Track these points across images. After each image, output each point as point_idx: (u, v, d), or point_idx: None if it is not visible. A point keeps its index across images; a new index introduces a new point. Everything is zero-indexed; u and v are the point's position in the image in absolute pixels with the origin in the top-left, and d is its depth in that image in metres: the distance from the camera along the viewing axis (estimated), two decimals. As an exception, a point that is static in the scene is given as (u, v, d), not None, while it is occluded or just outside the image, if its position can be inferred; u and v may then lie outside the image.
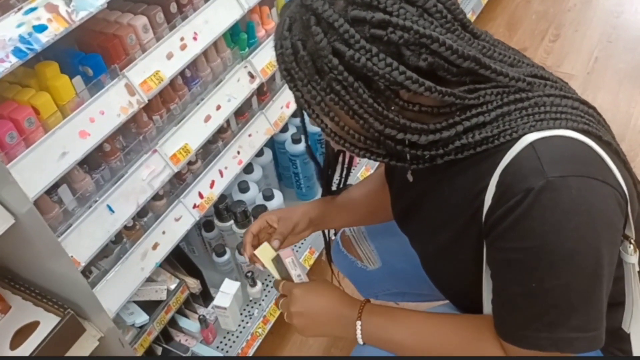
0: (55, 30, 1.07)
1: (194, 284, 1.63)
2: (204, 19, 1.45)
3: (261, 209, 1.75)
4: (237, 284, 1.70)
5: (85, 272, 1.29)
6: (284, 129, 1.96)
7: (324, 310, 1.04)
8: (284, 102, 1.80)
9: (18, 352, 1.22)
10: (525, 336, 0.84)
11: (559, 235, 0.77)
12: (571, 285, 0.79)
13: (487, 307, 0.92)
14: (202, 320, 1.65)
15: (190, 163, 1.59)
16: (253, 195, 1.85)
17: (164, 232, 1.45)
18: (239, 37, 1.64)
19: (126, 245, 1.40)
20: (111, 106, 1.26)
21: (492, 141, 0.83)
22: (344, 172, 1.28)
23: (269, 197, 1.83)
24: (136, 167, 1.36)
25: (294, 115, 1.94)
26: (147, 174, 1.37)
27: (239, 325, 1.76)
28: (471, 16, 2.95)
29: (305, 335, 1.07)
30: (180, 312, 1.69)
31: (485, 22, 3.20)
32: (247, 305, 1.82)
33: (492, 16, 3.27)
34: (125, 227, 1.40)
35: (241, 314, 1.79)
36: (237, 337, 1.74)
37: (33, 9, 1.07)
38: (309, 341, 1.89)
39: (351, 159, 1.26)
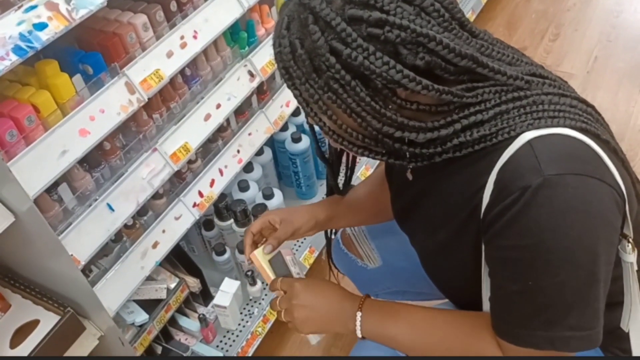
0: (55, 28, 1.07)
1: (193, 283, 1.63)
2: (204, 18, 1.45)
3: (261, 207, 1.75)
4: (237, 283, 1.70)
5: (85, 270, 1.29)
6: (284, 128, 1.96)
7: (326, 302, 1.04)
8: (284, 101, 1.81)
9: (18, 351, 1.22)
10: (521, 334, 0.84)
11: (555, 233, 0.77)
12: (567, 284, 0.79)
13: (486, 305, 0.92)
14: (202, 319, 1.65)
15: (190, 162, 1.59)
16: (253, 194, 1.85)
17: (163, 231, 1.45)
18: (239, 35, 1.64)
19: (126, 244, 1.40)
20: (111, 104, 1.26)
21: (490, 139, 0.83)
22: (348, 172, 1.28)
23: (268, 196, 1.83)
24: (136, 166, 1.36)
25: (294, 114, 1.94)
26: (147, 173, 1.37)
27: (239, 324, 1.76)
28: (471, 15, 2.95)
29: (304, 331, 1.06)
30: (180, 311, 1.69)
31: (485, 22, 3.20)
32: (247, 304, 1.82)
33: (492, 15, 3.27)
34: (125, 226, 1.40)
35: (241, 313, 1.79)
36: (237, 336, 1.74)
37: (33, 7, 1.07)
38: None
39: (354, 158, 1.26)
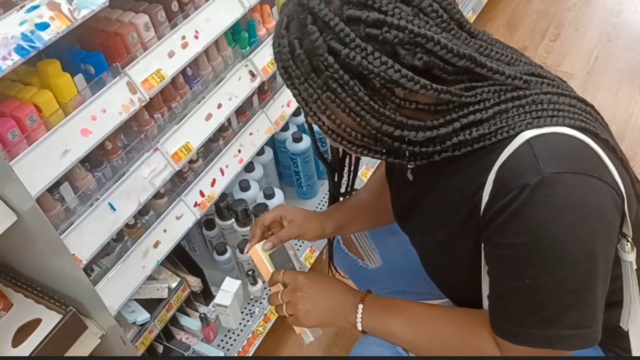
0: (57, 28, 1.08)
1: (195, 282, 1.64)
2: (205, 18, 1.45)
3: (262, 207, 1.75)
4: (238, 282, 1.70)
5: (87, 270, 1.29)
6: (285, 128, 1.96)
7: (329, 295, 1.05)
8: (285, 101, 1.81)
9: (20, 350, 1.23)
10: (518, 332, 0.85)
11: (552, 231, 0.77)
12: (565, 282, 0.79)
13: (486, 304, 0.92)
14: (203, 319, 1.65)
15: (191, 161, 1.59)
16: (254, 194, 1.86)
17: (165, 231, 1.46)
18: (240, 35, 1.65)
19: (127, 244, 1.40)
20: (113, 104, 1.26)
21: (490, 138, 0.83)
22: (351, 175, 1.28)
23: (269, 195, 1.83)
24: (137, 166, 1.36)
25: (294, 114, 1.94)
26: (148, 172, 1.37)
27: (240, 324, 1.77)
28: (471, 15, 2.95)
29: (306, 324, 1.07)
30: (181, 310, 1.69)
31: (486, 22, 3.21)
32: (248, 303, 1.82)
33: (493, 15, 3.27)
34: (127, 225, 1.41)
35: (242, 312, 1.79)
36: (238, 335, 1.74)
37: (35, 7, 1.08)
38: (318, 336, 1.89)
39: (357, 161, 1.26)
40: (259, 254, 1.13)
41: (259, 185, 1.90)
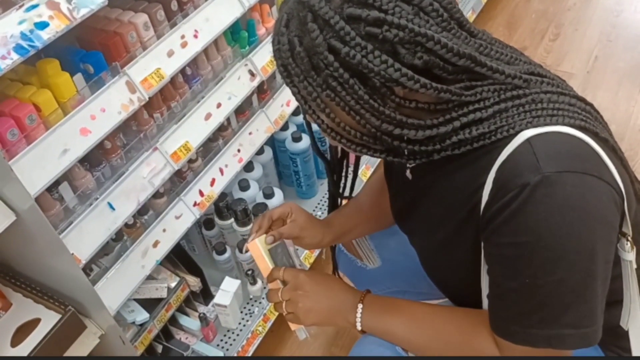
0: (56, 27, 1.07)
1: (194, 282, 1.64)
2: (204, 17, 1.45)
3: (261, 207, 1.75)
4: (238, 282, 1.70)
5: (86, 269, 1.29)
6: (285, 127, 1.96)
7: (330, 294, 1.05)
8: (285, 101, 1.81)
9: (19, 350, 1.22)
10: (517, 332, 0.85)
11: (552, 231, 0.77)
12: (564, 282, 0.79)
13: (486, 303, 0.92)
14: (203, 318, 1.65)
15: (190, 161, 1.59)
16: (253, 194, 1.86)
17: (164, 230, 1.46)
18: (240, 35, 1.65)
19: (127, 243, 1.40)
20: (112, 104, 1.26)
21: (489, 137, 0.83)
22: (351, 175, 1.28)
23: (269, 195, 1.83)
24: (137, 165, 1.36)
25: (294, 113, 1.94)
26: (147, 172, 1.37)
27: (239, 324, 1.77)
28: (471, 15, 2.95)
29: (306, 322, 1.06)
30: (180, 310, 1.69)
31: (485, 21, 3.21)
32: (248, 303, 1.82)
33: (492, 15, 3.27)
34: (126, 225, 1.41)
35: (241, 312, 1.79)
36: (238, 335, 1.74)
37: (35, 6, 1.08)
38: (309, 339, 1.89)
39: (357, 161, 1.26)
40: (259, 249, 1.11)
41: (258, 184, 1.90)
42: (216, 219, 1.77)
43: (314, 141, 1.19)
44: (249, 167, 1.90)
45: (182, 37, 1.40)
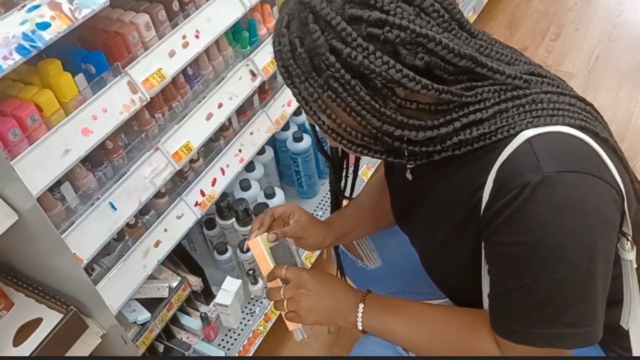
0: (58, 27, 1.08)
1: (195, 281, 1.64)
2: (205, 17, 1.45)
3: (262, 207, 1.75)
4: (239, 281, 1.70)
5: (88, 269, 1.30)
6: (286, 127, 1.97)
7: (331, 293, 1.05)
8: (286, 101, 1.81)
9: (21, 349, 1.23)
10: (517, 331, 0.85)
11: (553, 230, 0.77)
12: (565, 281, 0.80)
13: (486, 303, 0.93)
14: (204, 318, 1.65)
15: (192, 161, 1.59)
16: (254, 194, 1.86)
17: (165, 230, 1.46)
18: (241, 35, 1.65)
19: (128, 243, 1.41)
20: (114, 104, 1.26)
21: (490, 137, 0.84)
22: (352, 176, 1.28)
23: (270, 195, 1.83)
24: (138, 165, 1.36)
25: (295, 113, 1.94)
26: (149, 172, 1.37)
27: (241, 323, 1.77)
28: (472, 15, 2.95)
29: (308, 321, 1.06)
30: (182, 309, 1.69)
31: (486, 21, 3.21)
32: (249, 303, 1.82)
33: (493, 15, 3.27)
34: (128, 225, 1.41)
35: (243, 311, 1.79)
36: (239, 334, 1.74)
37: (36, 7, 1.08)
38: (310, 339, 1.90)
39: (357, 162, 1.26)
40: (260, 247, 1.11)
41: (259, 184, 1.90)
42: (217, 219, 1.77)
43: (317, 140, 1.20)
44: (250, 167, 1.90)
45: (184, 37, 1.41)
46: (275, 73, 1.74)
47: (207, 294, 1.74)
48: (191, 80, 1.54)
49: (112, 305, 1.31)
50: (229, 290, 1.67)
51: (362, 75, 0.80)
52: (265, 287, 1.82)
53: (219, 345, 1.72)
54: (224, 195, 1.70)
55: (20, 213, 1.12)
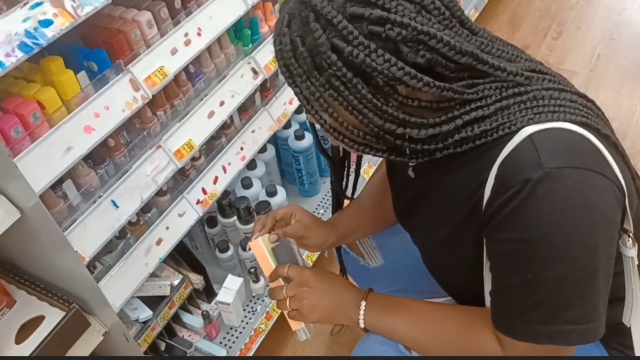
0: (60, 25, 1.08)
1: (197, 279, 1.64)
2: (208, 15, 1.45)
3: (264, 205, 1.75)
4: (240, 279, 1.70)
5: (90, 267, 1.29)
6: (287, 126, 1.96)
7: (334, 291, 1.05)
8: (287, 99, 1.81)
9: (23, 347, 1.23)
10: (519, 328, 0.85)
11: (554, 226, 0.78)
12: (566, 277, 0.80)
13: (488, 300, 0.93)
14: (206, 316, 1.66)
15: (193, 159, 1.59)
16: (256, 192, 1.86)
17: (167, 228, 1.46)
18: (243, 33, 1.65)
19: (130, 241, 1.41)
20: (116, 101, 1.26)
21: (491, 134, 0.84)
22: (354, 175, 1.28)
23: (272, 193, 1.83)
24: (140, 163, 1.36)
25: (297, 111, 1.94)
26: (151, 170, 1.37)
27: (242, 321, 1.77)
28: (473, 13, 2.94)
29: (310, 319, 1.06)
30: (183, 307, 1.70)
31: (488, 20, 3.20)
32: (250, 301, 1.82)
33: (495, 13, 3.27)
34: (129, 223, 1.41)
35: (244, 309, 1.79)
36: (241, 332, 1.74)
37: (39, 4, 1.08)
38: (312, 337, 1.89)
39: (359, 161, 1.26)
40: (261, 247, 1.11)
41: (261, 182, 1.90)
42: (219, 217, 1.77)
43: (317, 139, 1.20)
44: (251, 165, 1.90)
45: (186, 35, 1.41)
46: (276, 71, 1.74)
47: (208, 292, 1.74)
48: (193, 78, 1.54)
49: (114, 303, 1.31)
50: (230, 288, 1.67)
51: (364, 74, 0.80)
52: (267, 286, 1.82)
53: (221, 343, 1.72)
54: (226, 193, 1.70)
55: (22, 210, 1.12)
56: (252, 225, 1.68)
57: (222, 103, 1.55)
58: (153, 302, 1.53)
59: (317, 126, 0.99)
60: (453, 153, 0.87)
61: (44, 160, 1.13)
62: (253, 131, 1.70)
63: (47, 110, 1.18)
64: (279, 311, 1.80)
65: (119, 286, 1.34)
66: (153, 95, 1.33)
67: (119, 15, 1.36)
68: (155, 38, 1.38)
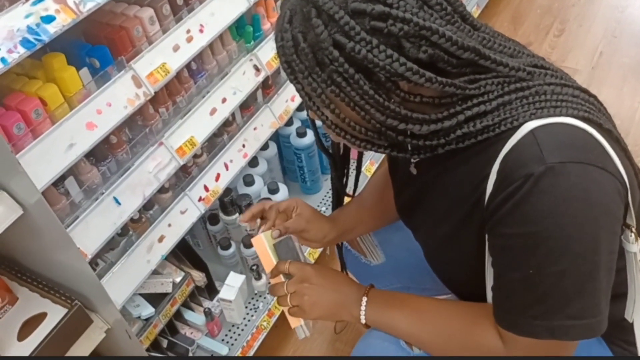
0: (63, 21, 1.08)
1: (199, 277, 1.64)
2: (210, 12, 1.45)
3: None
4: (242, 277, 1.70)
5: (92, 264, 1.30)
6: (289, 123, 1.96)
7: (335, 287, 1.05)
8: (289, 96, 1.81)
9: (25, 344, 1.23)
10: (520, 323, 0.85)
11: (556, 221, 0.77)
12: (568, 272, 0.80)
13: (490, 296, 0.93)
14: (208, 313, 1.66)
15: (195, 156, 1.59)
16: (258, 189, 1.86)
17: (169, 225, 1.46)
18: (245, 30, 1.65)
19: (132, 238, 1.41)
20: (118, 98, 1.26)
21: (493, 130, 0.84)
22: (355, 172, 1.28)
23: (274, 190, 1.83)
24: (142, 160, 1.36)
25: (299, 109, 1.94)
26: (153, 167, 1.37)
27: (244, 319, 1.77)
28: (476, 10, 2.94)
29: (311, 315, 1.06)
30: (185, 305, 1.70)
31: (490, 17, 3.20)
32: (252, 298, 1.82)
33: (497, 11, 3.27)
34: (132, 220, 1.41)
35: (246, 307, 1.79)
36: (242, 330, 1.74)
37: (41, 0, 1.08)
38: (314, 334, 1.89)
39: (360, 158, 1.26)
40: (264, 243, 1.11)
41: (263, 180, 1.90)
42: (221, 214, 1.77)
43: (318, 137, 1.20)
44: (253, 162, 1.90)
45: (188, 31, 1.41)
46: (278, 68, 1.74)
47: (210, 290, 1.75)
48: (195, 75, 1.54)
49: (116, 300, 1.31)
50: (232, 285, 1.67)
51: (366, 69, 0.80)
52: (269, 283, 1.82)
53: (223, 340, 1.72)
54: (228, 190, 1.70)
55: (25, 207, 1.11)
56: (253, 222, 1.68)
57: (224, 100, 1.55)
58: (155, 299, 1.53)
59: (318, 123, 0.99)
60: (455, 149, 0.87)
61: (46, 157, 1.13)
62: (255, 128, 1.70)
63: (49, 107, 1.18)
64: (281, 308, 1.79)
65: (121, 283, 1.34)
66: (155, 92, 1.33)
67: (121, 12, 1.35)
68: (157, 34, 1.38)
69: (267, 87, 1.79)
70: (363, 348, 1.09)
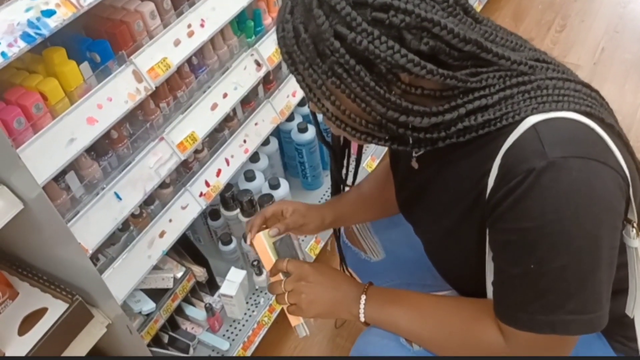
0: (63, 15, 1.07)
1: (200, 272, 1.64)
2: (211, 6, 1.45)
3: (267, 197, 1.75)
4: (243, 272, 1.70)
5: (93, 259, 1.29)
6: (290, 118, 1.96)
7: (333, 285, 1.05)
8: (290, 91, 1.80)
9: (26, 339, 1.23)
10: (521, 318, 0.85)
11: (557, 216, 0.77)
12: (569, 267, 0.79)
13: (490, 291, 0.92)
14: (209, 309, 1.65)
15: (196, 151, 1.59)
16: (259, 184, 1.86)
17: (170, 220, 1.46)
18: (246, 24, 1.64)
19: (133, 233, 1.41)
20: (119, 93, 1.26)
21: (495, 124, 0.83)
22: (354, 166, 1.28)
23: (275, 186, 1.83)
24: (143, 155, 1.36)
25: (300, 104, 1.94)
26: (154, 162, 1.37)
27: (245, 314, 1.77)
28: (478, 6, 2.94)
29: (309, 313, 1.06)
30: (186, 300, 1.70)
31: (492, 12, 3.19)
32: (253, 294, 1.82)
33: (498, 6, 3.26)
34: (132, 215, 1.41)
35: (247, 302, 1.79)
36: (244, 325, 1.74)
37: (42, -6, 1.07)
38: (314, 331, 1.89)
39: (359, 150, 1.25)
40: (263, 242, 1.12)
41: (264, 175, 1.90)
42: (222, 210, 1.77)
43: (319, 130, 1.19)
44: (254, 157, 1.89)
45: (189, 26, 1.40)
46: (280, 63, 1.74)
47: (211, 285, 1.75)
48: (196, 70, 1.54)
49: (117, 295, 1.31)
50: (233, 281, 1.67)
51: (367, 61, 0.80)
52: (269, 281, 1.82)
53: (224, 336, 1.72)
54: (229, 186, 1.70)
55: (25, 202, 1.11)
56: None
57: (225, 95, 1.54)
58: (156, 294, 1.54)
59: (319, 116, 0.98)
60: (456, 143, 0.87)
61: (47, 152, 1.13)
62: (256, 124, 1.70)
63: (49, 102, 1.18)
64: (276, 298, 1.79)
65: (122, 278, 1.34)
66: (156, 87, 1.33)
67: (122, 6, 1.35)
68: (158, 29, 1.37)
69: (269, 82, 1.79)
70: (362, 345, 1.09)
